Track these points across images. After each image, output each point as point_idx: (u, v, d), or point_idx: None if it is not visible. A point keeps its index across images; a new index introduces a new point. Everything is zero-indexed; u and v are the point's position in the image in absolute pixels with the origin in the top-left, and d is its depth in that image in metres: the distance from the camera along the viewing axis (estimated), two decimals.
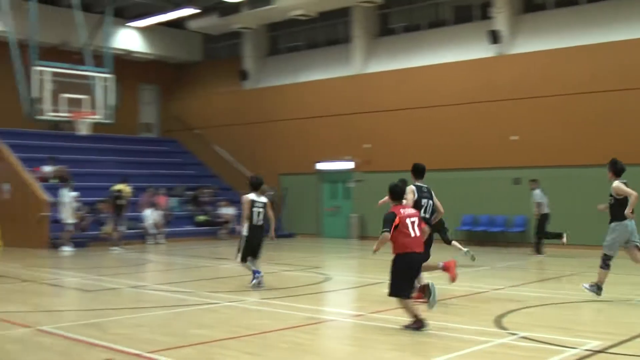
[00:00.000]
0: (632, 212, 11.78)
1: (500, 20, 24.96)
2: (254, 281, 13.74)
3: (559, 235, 20.00)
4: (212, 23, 30.78)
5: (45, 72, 20.07)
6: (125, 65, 32.34)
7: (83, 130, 21.57)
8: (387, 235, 9.98)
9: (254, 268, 13.90)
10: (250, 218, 13.74)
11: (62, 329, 9.77)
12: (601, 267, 12.04)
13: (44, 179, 25.98)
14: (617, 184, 12.08)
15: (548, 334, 9.27)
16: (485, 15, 25.88)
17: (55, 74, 20.50)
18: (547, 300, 12.36)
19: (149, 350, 8.42)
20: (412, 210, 10.38)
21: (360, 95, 28.07)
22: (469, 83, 25.34)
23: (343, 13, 29.88)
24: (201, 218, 28.33)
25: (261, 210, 13.82)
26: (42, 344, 8.88)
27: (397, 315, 10.60)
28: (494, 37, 24.75)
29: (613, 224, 12.03)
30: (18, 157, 25.88)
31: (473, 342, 8.91)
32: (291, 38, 32.47)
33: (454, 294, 12.70)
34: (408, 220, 10.03)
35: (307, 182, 29.67)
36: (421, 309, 9.91)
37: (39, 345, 8.85)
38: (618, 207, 11.96)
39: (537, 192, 20.77)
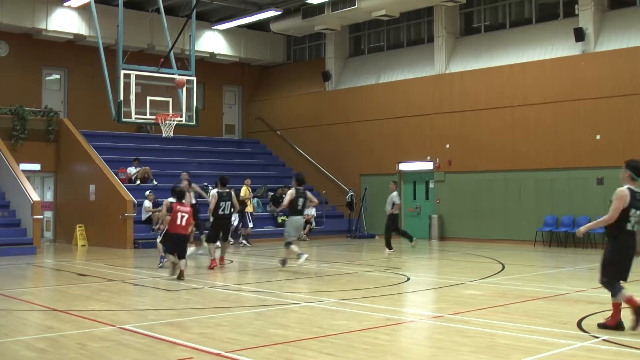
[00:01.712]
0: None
1: (585, 17, 24.47)
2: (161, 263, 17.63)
3: (410, 238, 23.56)
4: (295, 25, 30.92)
5: (131, 75, 20.42)
6: (209, 68, 32.83)
7: (169, 132, 21.87)
8: (167, 217, 15.68)
9: (161, 254, 17.40)
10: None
11: (144, 327, 9.96)
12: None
13: (128, 180, 26.56)
14: (290, 191, 17.27)
15: (630, 338, 9.07)
16: (570, 13, 25.42)
17: (140, 77, 20.81)
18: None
19: (229, 349, 8.51)
20: (186, 208, 15.75)
21: (443, 95, 27.85)
22: (553, 82, 24.91)
23: (426, 13, 29.77)
24: (282, 218, 28.47)
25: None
26: (125, 342, 9.05)
27: (478, 316, 10.52)
28: (579, 35, 24.27)
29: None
30: (103, 159, 26.46)
31: (554, 344, 8.78)
32: (374, 39, 32.43)
33: (536, 295, 12.50)
34: (179, 213, 15.50)
35: (388, 183, 29.51)
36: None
37: (121, 343, 9.01)
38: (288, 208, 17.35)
39: (395, 193, 23.24)
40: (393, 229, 23.24)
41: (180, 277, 15.26)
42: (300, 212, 17.50)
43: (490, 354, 8.34)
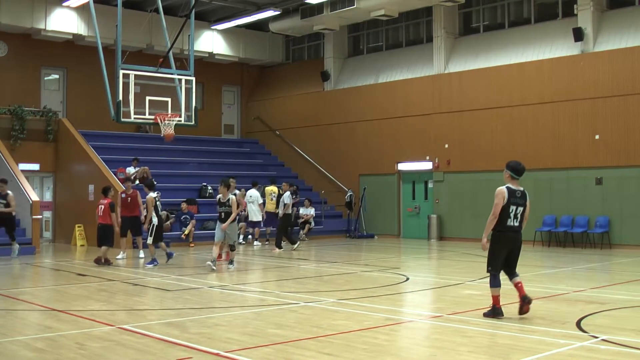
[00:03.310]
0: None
1: (584, 17, 24.47)
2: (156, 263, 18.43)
3: (293, 242, 23.47)
4: (294, 25, 30.91)
5: (130, 75, 20.42)
6: (208, 68, 32.84)
7: (168, 132, 21.84)
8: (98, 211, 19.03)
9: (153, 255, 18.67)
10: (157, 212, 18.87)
11: (143, 327, 9.96)
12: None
13: (127, 180, 26.51)
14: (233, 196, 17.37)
15: (629, 337, 9.09)
16: (569, 13, 25.44)
17: (139, 77, 20.81)
18: (629, 303, 12.12)
19: (227, 349, 8.51)
20: (104, 200, 18.94)
21: (442, 95, 27.85)
22: (552, 82, 24.91)
23: (424, 13, 29.76)
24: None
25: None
26: (123, 342, 9.04)
27: (477, 316, 10.53)
28: (578, 35, 24.28)
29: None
30: (102, 159, 26.43)
31: (553, 344, 8.78)
32: (372, 38, 32.44)
33: (535, 295, 12.50)
34: (101, 206, 18.84)
35: (387, 183, 29.61)
36: None
37: (120, 343, 9.00)
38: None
39: (288, 194, 23.48)
40: (286, 229, 23.67)
41: (97, 261, 18.50)
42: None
43: (489, 354, 8.35)
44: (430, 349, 8.89)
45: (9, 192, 21.72)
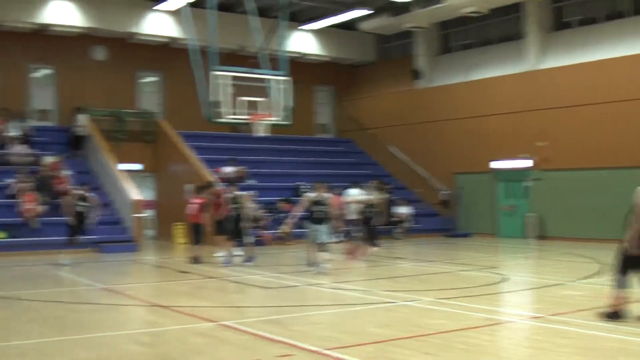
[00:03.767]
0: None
1: None
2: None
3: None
4: (384, 23, 30.88)
5: (223, 76, 20.78)
6: (300, 68, 32.93)
7: (261, 131, 22.15)
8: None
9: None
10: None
11: (244, 324, 10.11)
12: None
13: (224, 179, 26.91)
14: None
15: None
16: None
17: (233, 78, 21.16)
18: None
19: (327, 347, 8.56)
20: (195, 200, 19.07)
21: (536, 92, 27.37)
22: None
23: (515, 8, 29.24)
24: None
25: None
26: (225, 338, 9.21)
27: (578, 318, 10.34)
28: None
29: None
30: (201, 159, 26.89)
31: None
32: (463, 36, 32.12)
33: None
34: (193, 205, 18.88)
35: (482, 181, 29.26)
36: None
37: (221, 339, 9.18)
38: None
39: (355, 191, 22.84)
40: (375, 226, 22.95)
41: (193, 260, 18.82)
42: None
43: (593, 356, 8.19)
44: (529, 350, 8.79)
45: (88, 194, 20.68)
